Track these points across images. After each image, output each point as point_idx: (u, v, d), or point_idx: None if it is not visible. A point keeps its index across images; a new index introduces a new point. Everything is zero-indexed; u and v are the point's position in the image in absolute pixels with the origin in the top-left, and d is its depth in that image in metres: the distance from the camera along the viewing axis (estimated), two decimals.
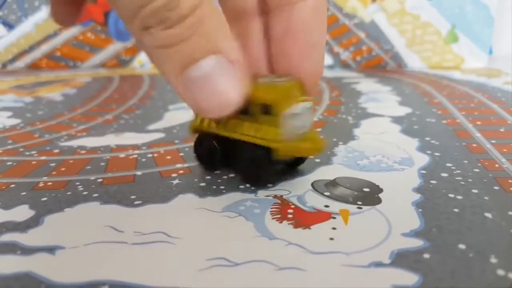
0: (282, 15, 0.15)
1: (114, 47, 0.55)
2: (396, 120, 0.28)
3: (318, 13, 0.16)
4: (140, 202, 0.17)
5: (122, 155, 0.22)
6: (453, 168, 0.19)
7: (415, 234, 0.14)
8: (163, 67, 0.14)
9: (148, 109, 0.34)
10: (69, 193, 0.18)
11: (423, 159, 0.21)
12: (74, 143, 0.25)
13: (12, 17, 0.54)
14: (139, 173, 0.20)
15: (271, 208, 0.16)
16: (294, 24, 0.16)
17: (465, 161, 0.20)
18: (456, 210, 0.16)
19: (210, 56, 0.13)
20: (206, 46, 0.13)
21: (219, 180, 0.19)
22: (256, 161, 0.17)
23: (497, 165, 0.20)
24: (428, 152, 0.22)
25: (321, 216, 0.15)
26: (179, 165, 0.21)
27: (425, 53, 0.50)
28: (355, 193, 0.17)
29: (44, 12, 0.54)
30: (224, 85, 0.14)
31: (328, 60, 0.52)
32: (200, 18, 0.13)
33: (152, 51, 0.14)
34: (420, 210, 0.16)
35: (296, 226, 0.15)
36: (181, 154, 0.22)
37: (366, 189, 0.17)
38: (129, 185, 0.18)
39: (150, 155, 0.22)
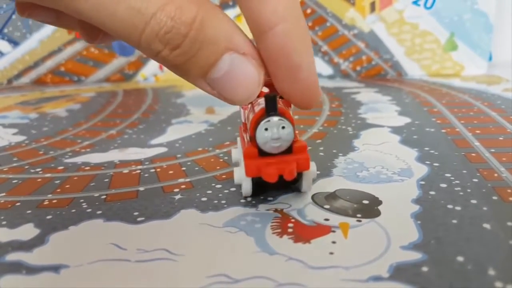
0: (260, 46, 0.16)
1: (118, 61, 0.56)
2: (396, 130, 0.28)
3: (291, 36, 0.15)
4: (143, 218, 0.17)
5: (125, 170, 0.23)
6: (452, 178, 0.20)
7: (414, 246, 0.14)
8: (187, 77, 0.15)
9: (151, 123, 0.34)
10: (73, 210, 0.18)
11: (422, 170, 0.21)
12: (79, 159, 0.25)
13: (17, 34, 0.55)
14: (142, 188, 0.20)
15: (272, 222, 0.16)
16: (270, 52, 0.15)
17: (464, 171, 0.20)
18: (454, 221, 0.16)
19: (224, 56, 0.14)
20: (217, 50, 0.14)
21: (220, 195, 0.19)
22: None
23: (496, 175, 0.20)
24: (427, 162, 0.22)
25: (321, 230, 0.16)
26: (181, 180, 0.21)
27: (424, 61, 0.51)
28: (355, 205, 0.17)
29: (48, 29, 0.55)
30: (244, 76, 0.15)
31: (328, 70, 0.52)
32: (201, 28, 0.14)
33: (172, 69, 0.15)
34: (419, 222, 0.16)
35: (296, 240, 0.15)
36: (183, 168, 0.23)
37: (365, 202, 0.18)
38: (132, 201, 0.19)
39: (152, 170, 0.23)
